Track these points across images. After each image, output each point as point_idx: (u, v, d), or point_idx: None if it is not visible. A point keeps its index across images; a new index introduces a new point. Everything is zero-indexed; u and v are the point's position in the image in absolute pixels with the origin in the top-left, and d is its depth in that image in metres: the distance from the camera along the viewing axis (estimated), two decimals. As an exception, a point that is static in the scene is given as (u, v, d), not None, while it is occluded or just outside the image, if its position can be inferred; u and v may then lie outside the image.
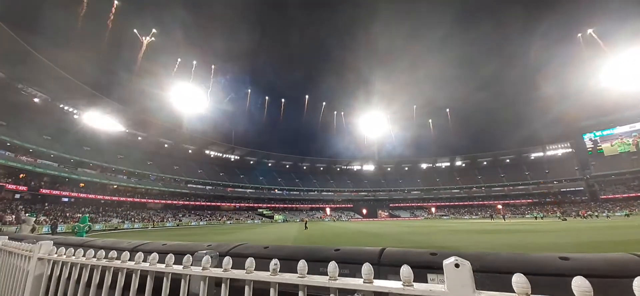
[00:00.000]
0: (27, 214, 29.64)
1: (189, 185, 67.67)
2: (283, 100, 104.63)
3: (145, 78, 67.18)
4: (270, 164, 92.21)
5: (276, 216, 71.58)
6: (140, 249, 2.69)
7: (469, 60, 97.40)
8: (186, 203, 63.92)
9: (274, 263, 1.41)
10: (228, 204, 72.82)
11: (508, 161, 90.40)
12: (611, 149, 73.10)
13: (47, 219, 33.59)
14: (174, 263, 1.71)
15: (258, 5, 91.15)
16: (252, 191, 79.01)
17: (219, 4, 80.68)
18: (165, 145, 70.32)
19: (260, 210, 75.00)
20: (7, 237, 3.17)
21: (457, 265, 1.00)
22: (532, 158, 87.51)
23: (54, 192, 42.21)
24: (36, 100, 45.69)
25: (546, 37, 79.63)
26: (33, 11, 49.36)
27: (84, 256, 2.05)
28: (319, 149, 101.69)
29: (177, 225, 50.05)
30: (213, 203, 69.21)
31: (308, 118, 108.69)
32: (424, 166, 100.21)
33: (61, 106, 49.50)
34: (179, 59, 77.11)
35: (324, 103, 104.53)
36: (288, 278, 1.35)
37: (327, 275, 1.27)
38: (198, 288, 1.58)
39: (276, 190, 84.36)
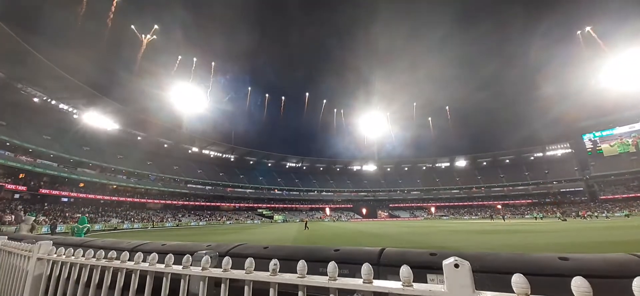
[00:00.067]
0: (26, 214, 29.59)
1: (188, 185, 67.63)
2: (283, 98, 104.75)
3: (145, 78, 67.26)
4: (270, 164, 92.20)
5: (276, 217, 71.56)
6: (140, 249, 2.68)
7: (469, 60, 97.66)
8: (186, 203, 63.89)
9: (274, 263, 1.41)
10: (228, 204, 72.79)
11: (508, 161, 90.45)
12: (611, 149, 73.16)
13: (47, 220, 33.55)
14: (173, 263, 1.71)
15: (258, 5, 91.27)
16: (251, 191, 78.98)
17: (219, 3, 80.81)
18: (165, 145, 70.30)
19: (260, 210, 74.97)
20: (6, 237, 3.16)
21: (456, 265, 1.00)
22: (532, 158, 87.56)
23: (54, 192, 42.16)
24: (36, 100, 45.65)
25: (546, 37, 79.85)
26: (33, 11, 49.36)
27: (83, 256, 2.04)
28: (319, 149, 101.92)
29: (177, 225, 50.02)
30: (213, 203, 69.18)
31: (308, 118, 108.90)
32: (423, 166, 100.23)
33: (61, 105, 49.46)
34: (180, 57, 77.20)
35: (324, 101, 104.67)
36: (287, 278, 1.35)
37: (327, 275, 1.27)
38: (197, 288, 1.57)
39: (276, 190, 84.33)
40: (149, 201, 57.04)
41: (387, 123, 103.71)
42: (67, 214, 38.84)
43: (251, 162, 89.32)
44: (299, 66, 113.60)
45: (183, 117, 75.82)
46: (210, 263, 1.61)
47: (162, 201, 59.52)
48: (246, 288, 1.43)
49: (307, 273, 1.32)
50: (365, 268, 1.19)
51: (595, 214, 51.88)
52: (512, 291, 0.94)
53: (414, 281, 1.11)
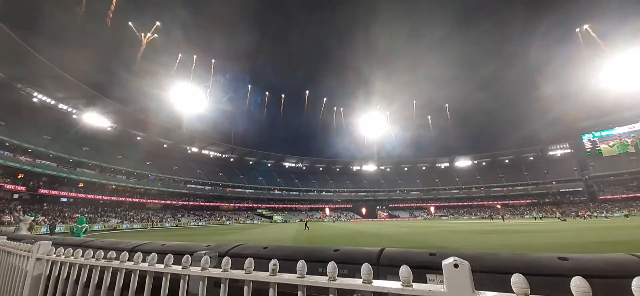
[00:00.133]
0: (25, 215, 29.56)
1: (188, 185, 67.59)
2: (283, 95, 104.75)
3: (144, 78, 67.16)
4: (269, 165, 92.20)
5: (275, 217, 71.55)
6: (139, 249, 2.68)
7: (469, 60, 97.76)
8: (185, 203, 63.85)
9: (273, 263, 1.41)
10: (227, 204, 72.75)
11: (507, 161, 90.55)
12: (610, 150, 73.25)
13: (46, 220, 33.52)
14: (173, 264, 1.71)
15: (257, 4, 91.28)
16: (251, 192, 78.96)
17: (219, 3, 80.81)
18: (165, 145, 70.25)
19: (260, 210, 74.94)
20: (5, 237, 3.16)
21: (456, 265, 1.00)
22: (531, 158, 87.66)
23: (53, 192, 42.12)
24: (35, 100, 45.59)
25: (546, 37, 79.97)
26: (33, 11, 49.29)
27: (82, 256, 2.04)
28: (319, 149, 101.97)
29: (176, 225, 49.98)
30: (212, 203, 69.14)
31: (308, 118, 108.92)
32: (423, 166, 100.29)
33: (60, 105, 49.39)
34: (180, 55, 77.17)
35: (324, 99, 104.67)
36: (287, 278, 1.35)
37: (326, 275, 1.27)
38: (197, 289, 1.57)
39: (275, 190, 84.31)
40: (148, 201, 57.00)
41: (387, 123, 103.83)
42: (66, 214, 38.80)
43: (251, 162, 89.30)
44: (299, 65, 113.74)
45: (183, 117, 75.81)
46: (210, 263, 1.61)
47: (161, 201, 59.48)
48: (246, 288, 1.43)
49: (307, 273, 1.32)
50: (365, 268, 1.19)
51: (595, 214, 51.96)
52: (512, 291, 0.94)
53: (413, 282, 1.11)
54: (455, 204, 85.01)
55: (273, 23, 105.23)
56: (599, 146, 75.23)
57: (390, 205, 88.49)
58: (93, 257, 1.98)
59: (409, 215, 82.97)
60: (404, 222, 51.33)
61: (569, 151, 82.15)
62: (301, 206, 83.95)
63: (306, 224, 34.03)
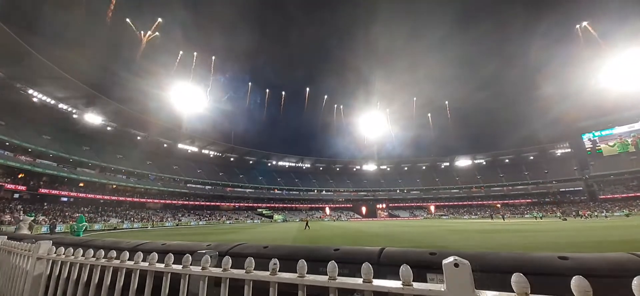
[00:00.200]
0: (25, 215, 29.58)
1: (188, 185, 67.62)
2: (283, 93, 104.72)
3: (145, 77, 67.19)
4: (269, 164, 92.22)
5: (276, 216, 71.57)
6: (140, 249, 2.68)
7: (469, 60, 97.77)
8: (185, 202, 63.87)
9: (274, 262, 1.41)
10: (227, 204, 72.78)
11: (507, 161, 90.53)
12: (610, 149, 73.22)
13: (46, 219, 33.55)
14: (173, 263, 1.71)
15: (258, 4, 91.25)
16: (251, 191, 78.98)
17: (220, 2, 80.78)
18: (165, 145, 70.26)
19: (260, 210, 74.97)
20: (6, 237, 3.16)
21: (456, 265, 1.00)
22: (531, 157, 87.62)
23: (53, 192, 42.14)
24: (35, 100, 45.59)
25: (546, 37, 79.93)
26: (33, 11, 49.27)
27: (83, 255, 2.04)
28: (319, 149, 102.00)
29: (177, 225, 50.00)
30: (212, 203, 69.16)
31: (308, 117, 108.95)
32: (423, 166, 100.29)
33: (60, 105, 49.39)
34: (181, 52, 77.14)
35: (325, 96, 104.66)
36: (287, 277, 1.35)
37: (327, 275, 1.27)
38: (197, 288, 1.58)
39: (276, 190, 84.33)
40: (148, 200, 57.02)
41: (387, 123, 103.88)
42: (66, 214, 38.82)
43: (251, 162, 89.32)
44: (299, 65, 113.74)
45: (183, 117, 75.84)
46: (210, 262, 1.61)
47: (161, 201, 59.50)
48: (246, 287, 1.43)
49: (307, 273, 1.32)
50: (365, 267, 1.19)
51: (595, 213, 51.95)
52: (512, 291, 0.94)
53: (413, 281, 1.11)
54: (455, 203, 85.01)
55: (273, 23, 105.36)
56: (599, 146, 75.21)
57: (390, 205, 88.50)
58: (94, 256, 1.99)
59: (409, 215, 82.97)
60: (404, 221, 51.34)
61: (569, 150, 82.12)
62: (301, 205, 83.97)
63: (307, 223, 34.00)
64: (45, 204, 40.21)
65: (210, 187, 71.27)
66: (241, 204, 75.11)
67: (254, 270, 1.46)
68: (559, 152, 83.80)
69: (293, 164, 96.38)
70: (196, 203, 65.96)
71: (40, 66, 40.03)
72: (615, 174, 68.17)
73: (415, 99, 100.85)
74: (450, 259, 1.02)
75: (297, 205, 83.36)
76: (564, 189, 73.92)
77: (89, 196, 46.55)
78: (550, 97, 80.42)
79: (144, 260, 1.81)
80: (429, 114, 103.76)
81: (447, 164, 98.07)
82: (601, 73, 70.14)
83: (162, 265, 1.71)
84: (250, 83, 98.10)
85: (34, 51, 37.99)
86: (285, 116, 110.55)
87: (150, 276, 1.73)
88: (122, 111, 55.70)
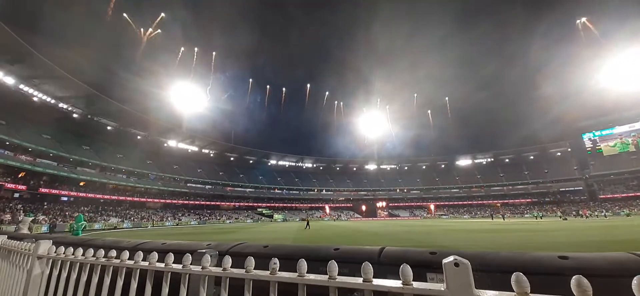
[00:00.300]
0: (24, 215, 29.59)
1: (188, 184, 67.64)
2: (283, 89, 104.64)
3: (145, 77, 67.18)
4: (269, 164, 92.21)
5: (276, 216, 71.61)
6: (140, 248, 2.68)
7: (469, 60, 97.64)
8: (185, 202, 63.90)
9: (274, 262, 1.41)
10: (227, 203, 72.82)
11: (507, 160, 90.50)
12: (610, 149, 73.18)
13: (46, 219, 33.57)
14: (173, 262, 1.71)
15: (258, 4, 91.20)
16: (251, 191, 79.00)
17: (220, 2, 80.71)
18: (165, 144, 70.28)
19: (260, 209, 75.00)
20: (6, 236, 3.16)
21: (456, 264, 0.99)
22: (532, 157, 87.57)
23: (53, 191, 42.17)
24: (35, 99, 45.59)
25: (546, 37, 79.78)
26: (33, 11, 49.23)
27: (83, 255, 2.04)
28: (319, 148, 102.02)
29: (177, 224, 50.03)
30: (212, 202, 69.19)
31: (308, 116, 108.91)
32: (423, 165, 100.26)
33: (60, 105, 49.40)
34: (182, 48, 77.02)
35: (326, 92, 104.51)
36: (287, 277, 1.35)
37: (327, 274, 1.27)
38: (198, 287, 1.58)
39: (276, 189, 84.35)
40: (148, 200, 57.05)
41: (387, 122, 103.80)
42: (66, 213, 38.84)
43: (251, 161, 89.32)
44: (299, 65, 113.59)
45: (183, 116, 75.84)
46: (210, 262, 1.61)
47: (161, 200, 59.53)
48: (246, 287, 1.43)
49: (307, 272, 1.32)
50: (365, 267, 1.19)
51: (596, 213, 51.94)
52: (512, 290, 0.94)
53: (414, 280, 1.11)
54: (455, 203, 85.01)
55: (273, 22, 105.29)
56: (600, 145, 75.16)
57: (390, 204, 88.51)
58: (94, 256, 1.99)
59: (409, 214, 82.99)
60: (404, 221, 51.36)
61: (569, 150, 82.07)
62: (301, 205, 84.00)
63: (307, 222, 34.01)
64: (46, 203, 40.23)
65: (210, 186, 71.29)
66: (241, 203, 75.14)
67: (254, 269, 1.46)
68: (559, 152, 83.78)
69: (293, 164, 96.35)
70: (196, 202, 65.99)
71: (41, 65, 40.03)
72: (615, 173, 68.14)
73: (415, 95, 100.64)
74: (451, 258, 1.02)
75: (297, 205, 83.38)
76: (564, 189, 73.90)
77: (89, 195, 46.58)
78: (550, 97, 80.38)
79: (144, 260, 1.81)
80: (429, 111, 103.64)
81: (447, 163, 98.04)
82: (601, 73, 70.07)
83: (162, 265, 1.71)
84: (250, 81, 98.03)
85: (34, 50, 37.98)
86: (285, 115, 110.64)
87: (150, 276, 1.73)
88: (122, 111, 55.70)
